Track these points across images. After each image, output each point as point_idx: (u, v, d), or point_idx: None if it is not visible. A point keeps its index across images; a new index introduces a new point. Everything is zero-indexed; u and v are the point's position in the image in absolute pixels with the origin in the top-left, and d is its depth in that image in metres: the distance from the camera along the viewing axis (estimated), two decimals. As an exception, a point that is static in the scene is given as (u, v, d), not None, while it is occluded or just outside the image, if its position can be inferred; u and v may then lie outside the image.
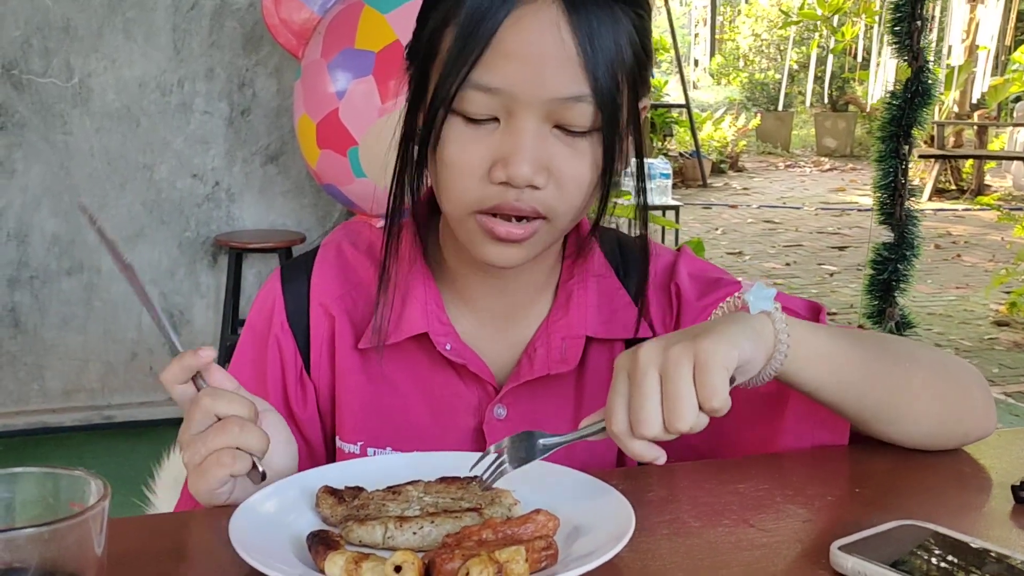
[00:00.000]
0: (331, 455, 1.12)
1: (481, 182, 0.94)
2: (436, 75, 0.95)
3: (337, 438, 1.10)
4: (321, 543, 0.79)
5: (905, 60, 2.90)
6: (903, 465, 1.05)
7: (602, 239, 1.13)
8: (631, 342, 1.10)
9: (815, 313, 1.13)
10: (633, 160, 1.02)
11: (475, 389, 1.09)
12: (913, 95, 2.86)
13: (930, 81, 2.90)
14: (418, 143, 0.99)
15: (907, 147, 2.89)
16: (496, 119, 0.94)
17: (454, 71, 0.92)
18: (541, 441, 0.89)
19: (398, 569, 0.73)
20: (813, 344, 0.93)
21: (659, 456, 0.85)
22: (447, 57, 0.93)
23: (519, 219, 0.96)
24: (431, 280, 1.09)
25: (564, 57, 0.91)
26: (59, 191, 3.97)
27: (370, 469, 0.97)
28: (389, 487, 0.89)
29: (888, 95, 2.97)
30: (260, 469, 0.88)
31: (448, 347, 1.07)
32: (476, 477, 0.89)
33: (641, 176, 1.03)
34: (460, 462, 0.92)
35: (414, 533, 0.82)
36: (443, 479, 0.90)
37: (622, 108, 0.96)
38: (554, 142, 0.94)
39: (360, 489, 0.89)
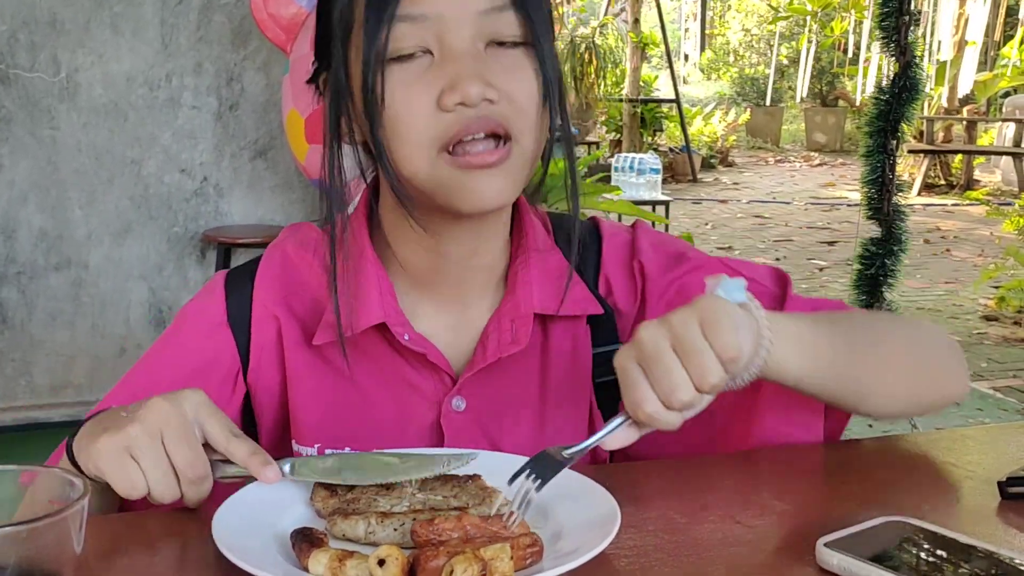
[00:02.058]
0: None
1: (434, 115, 0.94)
2: (358, 41, 0.96)
3: (293, 441, 1.08)
4: (305, 541, 0.78)
5: (892, 55, 2.90)
6: (890, 461, 1.05)
7: (556, 227, 1.11)
8: (594, 319, 1.08)
9: (782, 283, 1.12)
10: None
11: (432, 381, 1.06)
12: (901, 90, 2.86)
13: (918, 76, 2.89)
14: (366, 115, 0.97)
15: (895, 142, 2.88)
16: (429, 52, 0.95)
17: (377, 14, 0.93)
18: (564, 452, 0.85)
19: (382, 563, 0.73)
20: (795, 333, 0.93)
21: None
22: (367, 5, 0.94)
23: (487, 138, 0.95)
24: (383, 271, 1.06)
25: None
26: (46, 186, 3.94)
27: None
28: (383, 483, 0.88)
29: (876, 90, 2.96)
30: None
31: (406, 337, 1.04)
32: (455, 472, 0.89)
33: (564, 117, 1.02)
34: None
35: (395, 529, 0.82)
36: (440, 476, 0.89)
37: (548, 18, 0.98)
38: (492, 61, 0.96)
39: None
